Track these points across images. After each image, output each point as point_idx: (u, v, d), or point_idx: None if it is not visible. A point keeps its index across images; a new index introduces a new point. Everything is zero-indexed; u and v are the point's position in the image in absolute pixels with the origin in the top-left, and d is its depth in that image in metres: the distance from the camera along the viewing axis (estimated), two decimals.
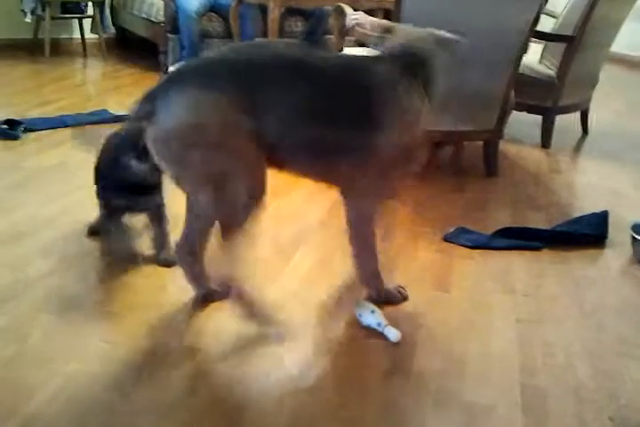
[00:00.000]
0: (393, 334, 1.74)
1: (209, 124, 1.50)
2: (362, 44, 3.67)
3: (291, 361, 1.64)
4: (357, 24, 3.60)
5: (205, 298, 1.87)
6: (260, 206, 1.63)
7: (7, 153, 3.03)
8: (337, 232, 2.33)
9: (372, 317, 1.79)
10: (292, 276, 2.05)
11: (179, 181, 1.60)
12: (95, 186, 2.12)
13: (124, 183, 1.97)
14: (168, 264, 2.04)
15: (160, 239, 2.09)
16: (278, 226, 2.40)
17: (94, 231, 2.23)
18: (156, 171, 1.76)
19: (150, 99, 1.53)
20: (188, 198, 1.76)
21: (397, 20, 2.71)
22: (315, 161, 1.66)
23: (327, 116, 1.60)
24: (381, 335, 1.76)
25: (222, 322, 1.78)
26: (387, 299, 1.91)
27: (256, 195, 1.61)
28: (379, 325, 1.77)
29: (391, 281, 1.97)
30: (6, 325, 1.71)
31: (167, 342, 1.68)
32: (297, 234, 2.34)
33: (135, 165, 1.90)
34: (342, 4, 3.26)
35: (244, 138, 1.54)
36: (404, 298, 1.94)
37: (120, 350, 1.63)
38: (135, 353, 1.63)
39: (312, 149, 1.63)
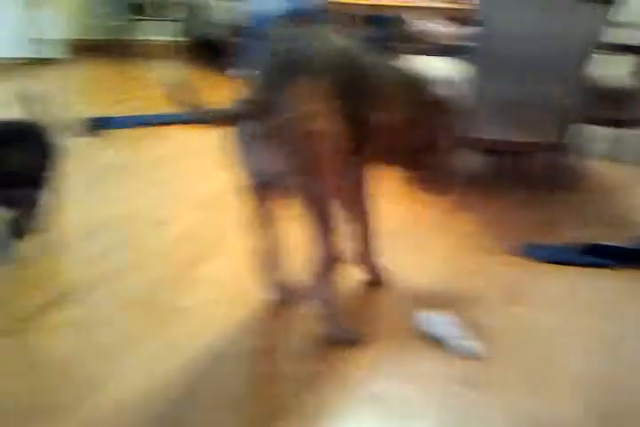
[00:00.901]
0: (468, 346, 1.71)
1: (322, 112, 1.57)
2: (427, 52, 3.67)
3: (359, 366, 1.65)
4: (421, 32, 3.62)
5: (284, 299, 1.90)
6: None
7: (87, 149, 3.14)
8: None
9: (445, 327, 1.77)
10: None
11: (293, 170, 1.62)
12: None
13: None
14: None
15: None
16: None
17: None
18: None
19: (265, 90, 1.58)
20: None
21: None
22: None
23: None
24: (452, 347, 1.73)
25: (295, 323, 1.81)
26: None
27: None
28: (451, 337, 1.74)
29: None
30: (82, 317, 1.78)
31: (240, 341, 1.71)
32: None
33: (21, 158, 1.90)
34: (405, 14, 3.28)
35: (341, 123, 1.61)
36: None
37: (191, 347, 1.68)
38: (206, 350, 1.67)
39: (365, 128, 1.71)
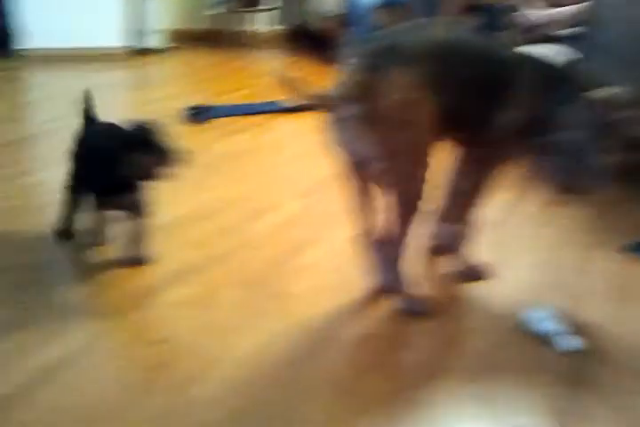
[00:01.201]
0: (571, 343, 1.69)
1: (414, 101, 1.61)
2: (544, 41, 3.56)
3: (463, 359, 1.65)
4: (537, 22, 3.50)
5: (386, 289, 1.92)
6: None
7: (194, 137, 3.25)
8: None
9: (549, 323, 1.74)
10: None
11: (377, 159, 1.66)
12: (71, 180, 2.03)
13: (121, 179, 1.89)
14: (137, 262, 1.97)
15: (136, 236, 1.98)
16: None
17: (66, 234, 2.10)
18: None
19: (363, 75, 1.61)
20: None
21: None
22: (464, 130, 1.80)
23: (481, 94, 1.72)
24: (556, 344, 1.71)
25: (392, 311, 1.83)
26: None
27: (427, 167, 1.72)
28: (555, 333, 1.72)
29: None
30: (197, 295, 1.86)
31: (343, 327, 1.75)
32: None
33: (147, 161, 1.84)
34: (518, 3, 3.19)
35: (433, 113, 1.64)
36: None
37: (294, 328, 1.73)
38: (309, 334, 1.71)
39: (465, 120, 1.75)
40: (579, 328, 1.76)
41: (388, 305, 1.84)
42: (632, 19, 2.67)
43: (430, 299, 1.86)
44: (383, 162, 1.66)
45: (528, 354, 1.68)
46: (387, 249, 1.80)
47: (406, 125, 1.62)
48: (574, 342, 1.69)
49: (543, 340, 1.72)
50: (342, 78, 1.66)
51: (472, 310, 1.88)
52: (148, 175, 1.84)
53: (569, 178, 1.81)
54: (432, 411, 1.46)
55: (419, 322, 1.78)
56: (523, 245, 2.26)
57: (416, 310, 1.81)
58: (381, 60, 1.62)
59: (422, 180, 1.71)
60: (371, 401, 1.47)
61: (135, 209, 1.93)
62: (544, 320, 1.76)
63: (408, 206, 1.73)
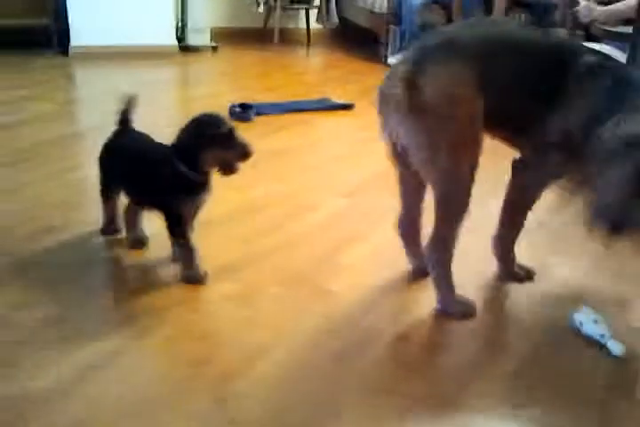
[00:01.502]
0: (618, 347, 1.65)
1: (460, 96, 1.61)
2: (594, 38, 3.49)
3: (513, 359, 1.63)
4: (593, 19, 3.42)
5: (417, 273, 1.96)
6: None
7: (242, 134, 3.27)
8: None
9: (595, 327, 1.71)
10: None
11: (418, 149, 1.67)
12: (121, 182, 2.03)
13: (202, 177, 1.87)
14: (193, 280, 1.91)
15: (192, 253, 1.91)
16: None
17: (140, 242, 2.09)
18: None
19: (409, 70, 1.63)
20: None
21: None
22: (510, 128, 1.76)
23: (531, 92, 1.67)
24: (602, 348, 1.67)
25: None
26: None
27: (475, 166, 1.68)
28: (602, 336, 1.68)
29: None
30: (239, 292, 1.87)
31: (381, 325, 1.74)
32: None
33: (228, 155, 1.82)
34: None
35: (479, 109, 1.64)
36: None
37: (336, 326, 1.73)
38: (349, 332, 1.71)
39: (512, 118, 1.71)
40: (624, 334, 1.72)
41: (430, 304, 1.83)
42: None
43: (474, 301, 1.84)
44: (423, 153, 1.66)
45: (575, 357, 1.65)
46: (432, 250, 1.78)
47: (448, 119, 1.61)
48: (619, 348, 1.65)
49: (590, 343, 1.69)
50: (393, 68, 1.71)
51: (517, 312, 1.85)
52: (230, 170, 1.84)
53: (611, 220, 1.61)
54: (471, 415, 1.44)
55: (461, 323, 1.76)
56: (569, 247, 2.21)
57: (461, 313, 1.80)
58: (432, 52, 1.64)
59: (466, 180, 1.68)
60: (414, 401, 1.46)
61: (199, 210, 1.92)
62: (591, 323, 1.72)
63: (449, 207, 1.71)
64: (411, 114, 1.63)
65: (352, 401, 1.45)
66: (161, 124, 3.36)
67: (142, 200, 1.99)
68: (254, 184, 2.64)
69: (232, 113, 3.49)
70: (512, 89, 1.67)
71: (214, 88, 4.31)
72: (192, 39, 5.32)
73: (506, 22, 1.83)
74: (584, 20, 3.56)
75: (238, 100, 3.62)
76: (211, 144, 1.79)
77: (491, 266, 2.01)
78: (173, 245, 1.94)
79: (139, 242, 2.07)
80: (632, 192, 1.54)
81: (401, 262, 2.01)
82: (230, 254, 2.07)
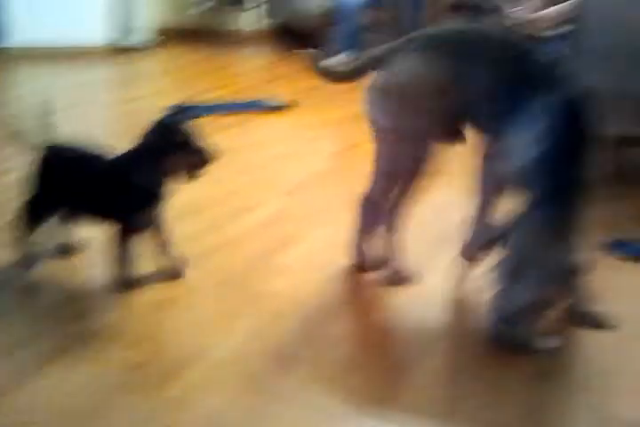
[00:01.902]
0: (547, 342, 1.69)
1: (423, 85, 1.75)
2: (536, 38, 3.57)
3: (437, 355, 1.66)
4: (527, 20, 3.50)
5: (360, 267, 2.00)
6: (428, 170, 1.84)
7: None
8: None
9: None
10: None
11: (378, 129, 1.83)
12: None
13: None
14: (175, 275, 1.93)
15: (161, 251, 1.92)
16: None
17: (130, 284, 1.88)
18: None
19: (384, 56, 1.81)
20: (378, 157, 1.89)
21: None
22: (480, 123, 1.82)
23: (497, 91, 1.74)
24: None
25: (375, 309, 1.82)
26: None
27: (430, 155, 1.82)
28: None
29: None
30: (174, 296, 1.85)
31: (319, 326, 1.75)
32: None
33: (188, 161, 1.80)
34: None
35: (446, 101, 1.75)
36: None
37: (273, 327, 1.73)
38: (287, 333, 1.71)
39: (482, 113, 1.79)
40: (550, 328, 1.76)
41: (368, 303, 1.84)
42: (621, 19, 2.69)
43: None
44: (386, 133, 1.82)
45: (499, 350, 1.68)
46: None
47: (410, 104, 1.75)
48: (552, 342, 1.69)
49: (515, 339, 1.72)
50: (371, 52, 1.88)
51: (438, 310, 1.88)
52: (194, 175, 1.82)
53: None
54: (404, 410, 1.46)
55: (395, 324, 1.78)
56: None
57: (398, 279, 1.87)
58: (407, 43, 1.79)
59: (405, 167, 1.82)
60: (361, 397, 1.47)
61: (158, 220, 1.88)
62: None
63: (383, 179, 1.87)
64: (380, 94, 1.80)
65: (290, 403, 1.45)
66: (98, 125, 3.31)
67: (95, 216, 1.88)
68: (192, 186, 2.59)
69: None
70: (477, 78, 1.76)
71: (155, 88, 4.26)
72: (132, 38, 5.23)
73: (477, 26, 1.94)
74: (521, 23, 3.65)
75: (178, 101, 3.57)
76: (175, 150, 1.76)
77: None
78: (113, 251, 1.86)
79: (70, 249, 2.02)
80: None
81: (336, 263, 2.02)
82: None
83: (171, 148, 1.76)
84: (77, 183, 1.84)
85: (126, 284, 1.85)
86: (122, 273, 1.85)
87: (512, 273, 1.65)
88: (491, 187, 1.94)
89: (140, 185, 1.79)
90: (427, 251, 2.16)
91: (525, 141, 1.69)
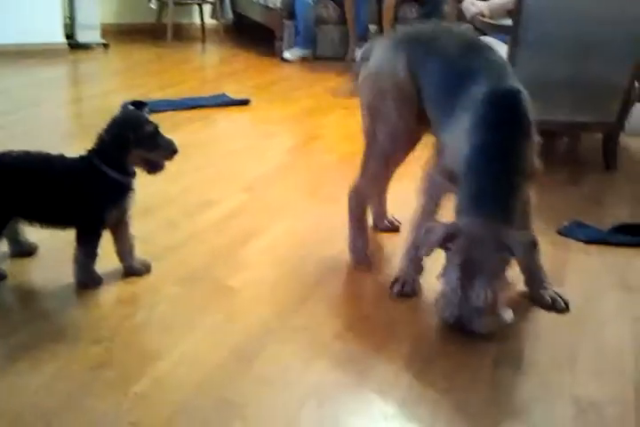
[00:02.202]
0: (507, 314, 1.72)
1: (387, 75, 1.94)
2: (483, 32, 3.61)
3: (403, 342, 1.68)
4: (476, 12, 3.55)
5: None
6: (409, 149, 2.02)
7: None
8: None
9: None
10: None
11: (362, 110, 2.05)
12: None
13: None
14: (138, 272, 1.93)
15: (129, 247, 1.92)
16: None
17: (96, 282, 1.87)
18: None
19: (367, 53, 2.05)
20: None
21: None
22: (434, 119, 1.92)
23: (451, 83, 1.84)
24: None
25: (338, 302, 1.84)
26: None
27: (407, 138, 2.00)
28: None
29: None
30: (135, 294, 1.84)
31: (276, 316, 1.76)
32: None
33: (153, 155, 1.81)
34: None
35: (407, 91, 1.92)
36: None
37: (235, 322, 1.73)
38: (249, 328, 1.71)
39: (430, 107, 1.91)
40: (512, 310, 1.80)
41: (326, 295, 1.86)
42: (561, 9, 2.75)
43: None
44: (364, 114, 2.04)
45: (463, 338, 1.72)
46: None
47: (378, 89, 1.96)
48: (509, 315, 1.72)
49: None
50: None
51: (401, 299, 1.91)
52: (155, 169, 1.83)
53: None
54: (373, 396, 1.48)
55: (358, 314, 1.80)
56: None
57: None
58: (384, 40, 2.05)
59: (382, 147, 1.98)
60: (319, 388, 1.49)
61: (125, 216, 1.87)
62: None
63: (370, 159, 2.03)
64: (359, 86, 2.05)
65: (255, 398, 1.46)
66: (50, 125, 3.26)
67: (53, 220, 1.84)
68: (149, 183, 2.58)
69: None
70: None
71: (107, 86, 4.20)
72: (82, 36, 5.14)
73: (445, 26, 2.19)
74: (469, 13, 3.69)
75: (132, 99, 3.53)
76: (137, 144, 1.76)
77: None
78: (79, 249, 1.84)
79: (27, 251, 1.99)
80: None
81: (296, 256, 2.03)
82: None
83: (134, 142, 1.76)
84: (38, 188, 1.78)
85: (92, 282, 1.84)
86: (88, 272, 1.84)
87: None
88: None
89: (108, 180, 1.78)
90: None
91: (456, 137, 1.73)
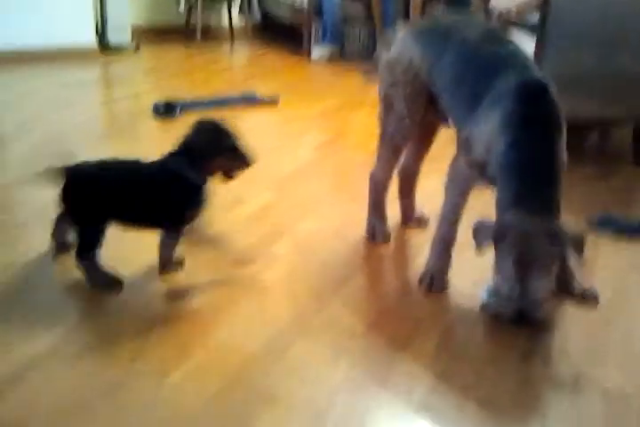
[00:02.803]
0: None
1: (402, 65, 2.02)
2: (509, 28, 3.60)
3: (431, 337, 1.70)
4: (504, 9, 3.55)
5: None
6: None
7: (165, 133, 3.27)
8: None
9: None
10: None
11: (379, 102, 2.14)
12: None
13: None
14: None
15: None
16: None
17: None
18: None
19: (387, 43, 2.14)
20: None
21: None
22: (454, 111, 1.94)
23: (472, 75, 1.85)
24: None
25: (362, 297, 1.87)
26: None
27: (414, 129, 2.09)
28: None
29: None
30: (170, 288, 1.89)
31: (307, 314, 1.80)
32: None
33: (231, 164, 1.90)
34: None
35: (420, 82, 2.00)
36: None
37: (268, 314, 1.77)
38: (287, 318, 1.76)
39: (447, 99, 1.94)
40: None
41: (359, 294, 1.89)
42: (592, 2, 2.73)
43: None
44: (381, 100, 2.13)
45: (498, 325, 1.74)
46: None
47: (392, 77, 2.05)
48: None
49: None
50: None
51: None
52: (231, 177, 1.93)
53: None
54: (397, 390, 1.51)
55: (391, 300, 1.83)
56: None
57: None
58: (404, 31, 2.08)
59: (390, 126, 2.09)
60: (347, 381, 1.52)
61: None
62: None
63: (381, 145, 2.16)
64: (379, 68, 2.14)
65: (285, 391, 1.49)
66: (83, 127, 3.33)
67: (143, 222, 1.89)
68: None
69: (156, 111, 3.47)
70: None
71: (138, 88, 4.26)
72: (113, 38, 5.22)
73: (465, 17, 2.21)
74: (497, 10, 3.69)
75: (164, 98, 3.60)
76: (221, 153, 1.84)
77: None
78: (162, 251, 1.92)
79: (67, 247, 2.04)
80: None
81: (325, 252, 2.06)
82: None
83: (218, 149, 1.84)
84: (129, 194, 1.82)
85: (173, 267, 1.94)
86: (171, 263, 1.93)
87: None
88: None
89: (189, 184, 1.84)
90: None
91: (485, 132, 1.74)
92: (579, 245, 1.69)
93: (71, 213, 1.84)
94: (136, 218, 1.87)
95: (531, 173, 1.68)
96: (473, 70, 1.84)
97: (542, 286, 1.64)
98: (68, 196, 1.80)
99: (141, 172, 1.86)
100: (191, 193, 1.86)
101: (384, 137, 2.14)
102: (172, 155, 1.87)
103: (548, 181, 1.68)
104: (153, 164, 1.87)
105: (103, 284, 1.85)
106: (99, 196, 1.79)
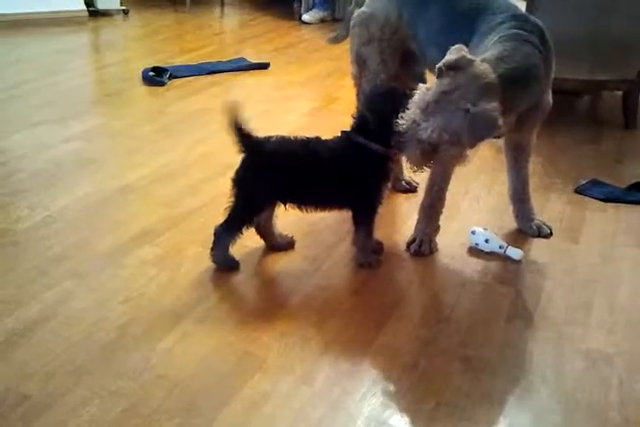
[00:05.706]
0: (515, 253, 1.89)
1: (377, 21, 2.03)
2: None
3: (419, 300, 1.73)
4: None
5: None
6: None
7: (154, 98, 3.25)
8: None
9: (491, 242, 1.92)
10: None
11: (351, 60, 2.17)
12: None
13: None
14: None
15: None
16: None
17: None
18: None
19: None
20: None
21: None
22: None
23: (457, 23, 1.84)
24: (505, 258, 1.90)
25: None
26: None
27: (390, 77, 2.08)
28: (500, 247, 1.91)
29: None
30: (161, 254, 1.91)
31: (300, 274, 1.82)
32: None
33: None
34: None
35: (398, 36, 2.01)
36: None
37: (257, 280, 1.81)
38: (270, 284, 1.78)
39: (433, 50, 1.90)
40: (528, 267, 1.87)
41: (347, 258, 1.91)
42: None
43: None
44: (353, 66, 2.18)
45: (485, 290, 1.77)
46: None
47: (365, 41, 2.06)
48: (517, 253, 1.90)
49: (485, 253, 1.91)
50: None
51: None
52: None
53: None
54: (386, 349, 1.54)
55: (378, 271, 1.86)
56: (481, 186, 2.33)
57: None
58: None
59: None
60: (334, 342, 1.55)
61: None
62: (485, 242, 1.94)
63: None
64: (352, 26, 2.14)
65: (275, 351, 1.53)
66: (73, 92, 3.30)
67: (326, 203, 1.83)
68: (174, 146, 2.64)
69: (145, 77, 3.44)
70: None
71: (127, 53, 4.21)
72: (101, 3, 5.14)
73: None
74: None
75: (152, 64, 3.57)
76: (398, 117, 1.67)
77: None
78: (355, 233, 1.85)
79: (288, 244, 1.97)
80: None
81: (313, 216, 2.07)
82: (154, 218, 2.09)
83: (398, 115, 1.66)
84: (308, 173, 1.76)
85: (373, 263, 1.88)
86: (369, 254, 1.87)
87: None
88: None
89: (376, 156, 1.74)
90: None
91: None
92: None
93: (242, 187, 1.79)
94: (322, 198, 1.80)
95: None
96: (456, 19, 1.81)
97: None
98: (249, 170, 1.78)
99: (321, 148, 1.78)
100: (375, 164, 1.75)
101: (361, 96, 2.15)
102: (351, 128, 1.78)
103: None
104: (331, 140, 1.79)
105: (223, 264, 1.83)
106: (281, 173, 1.74)
